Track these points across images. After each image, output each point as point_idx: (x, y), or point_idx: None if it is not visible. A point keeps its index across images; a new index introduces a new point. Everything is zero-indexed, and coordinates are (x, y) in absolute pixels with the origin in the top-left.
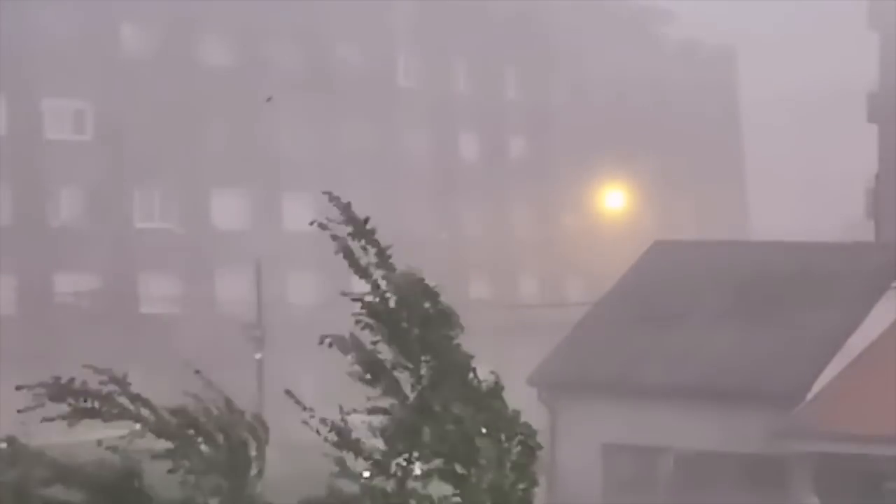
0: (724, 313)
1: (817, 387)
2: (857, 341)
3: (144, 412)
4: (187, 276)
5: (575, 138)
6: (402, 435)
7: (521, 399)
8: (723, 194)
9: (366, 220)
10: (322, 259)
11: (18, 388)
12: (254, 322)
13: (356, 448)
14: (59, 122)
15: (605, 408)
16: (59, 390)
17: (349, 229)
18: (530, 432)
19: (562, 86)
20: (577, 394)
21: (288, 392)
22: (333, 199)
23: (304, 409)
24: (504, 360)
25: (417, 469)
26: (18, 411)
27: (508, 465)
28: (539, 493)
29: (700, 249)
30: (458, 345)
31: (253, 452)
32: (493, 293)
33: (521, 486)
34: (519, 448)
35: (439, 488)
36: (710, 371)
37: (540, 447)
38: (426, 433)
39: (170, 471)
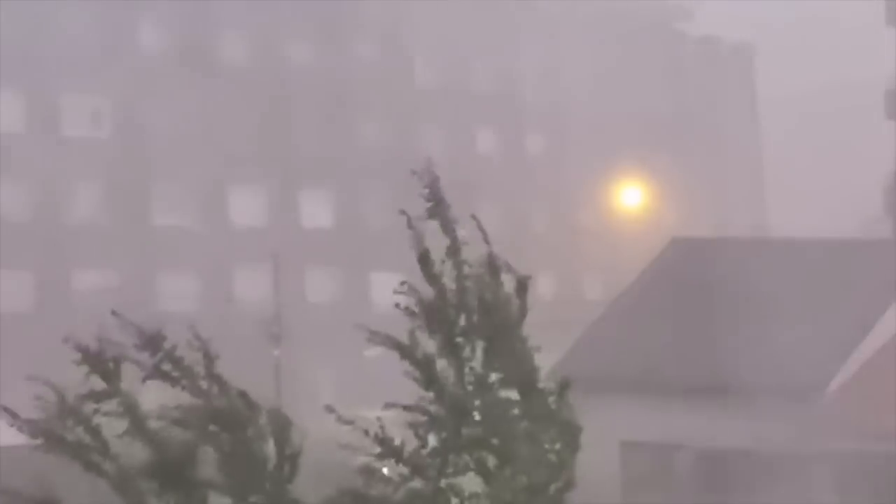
0: (742, 310)
1: (837, 383)
2: (877, 338)
3: (218, 397)
4: (205, 273)
5: (593, 135)
6: (439, 429)
7: None
8: (741, 191)
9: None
10: (340, 255)
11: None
12: (272, 318)
13: (399, 455)
14: (76, 118)
15: (623, 405)
16: (152, 342)
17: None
18: (574, 433)
19: (579, 83)
20: (594, 391)
21: (328, 407)
22: (421, 174)
23: (344, 421)
24: None
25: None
26: (101, 340)
27: (545, 464)
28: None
29: (718, 246)
30: (520, 335)
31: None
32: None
33: (555, 485)
34: (559, 447)
35: (472, 484)
36: (729, 368)
37: (579, 447)
38: (466, 426)
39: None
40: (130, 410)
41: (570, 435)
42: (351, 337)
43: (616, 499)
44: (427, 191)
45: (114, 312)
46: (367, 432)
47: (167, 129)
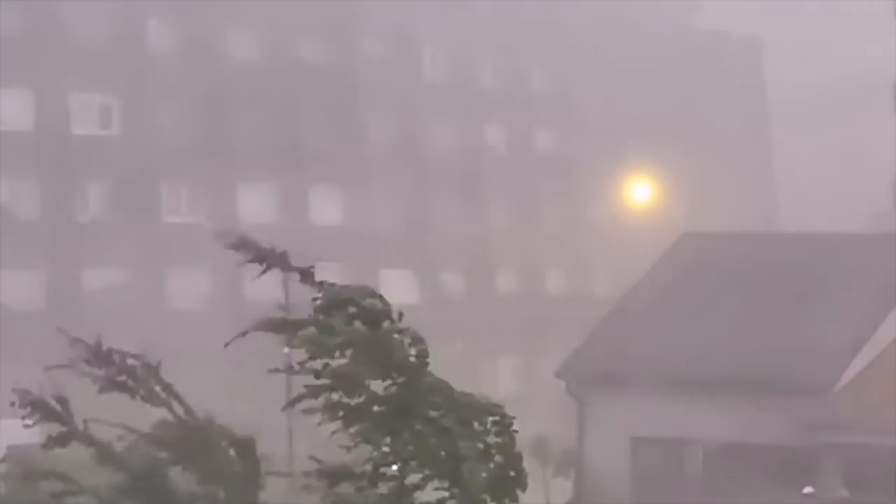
0: (752, 305)
1: (846, 378)
2: (886, 332)
3: (174, 403)
4: (215, 271)
5: (602, 131)
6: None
7: (550, 392)
8: (750, 186)
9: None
10: (350, 252)
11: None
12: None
13: (352, 478)
14: (86, 116)
15: (633, 400)
16: (100, 355)
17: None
18: (498, 410)
19: (588, 77)
20: (605, 386)
21: (313, 458)
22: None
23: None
24: (532, 353)
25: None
26: (46, 368)
27: (494, 453)
28: (568, 486)
29: (728, 241)
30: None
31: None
32: (520, 287)
33: (511, 472)
34: (496, 430)
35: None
36: (739, 363)
37: (513, 419)
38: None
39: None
40: (92, 444)
41: (497, 411)
42: None
43: (627, 493)
44: (253, 257)
45: (59, 329)
46: (309, 474)
47: (176, 127)
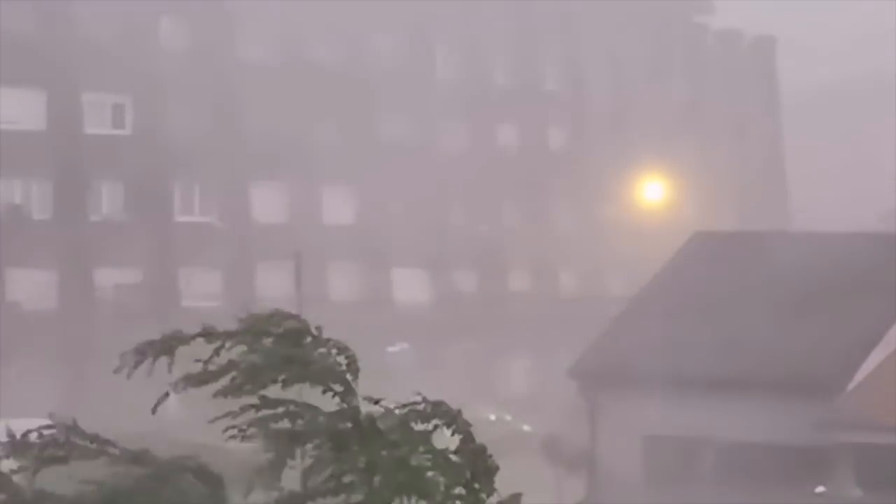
0: (764, 304)
1: (859, 377)
2: None
3: (110, 449)
4: (227, 270)
5: (614, 129)
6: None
7: (562, 391)
8: (763, 185)
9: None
10: (362, 252)
11: None
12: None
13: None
14: (98, 116)
15: (646, 399)
16: (19, 447)
17: None
18: (450, 416)
19: (601, 76)
20: (618, 385)
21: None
22: None
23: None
24: (544, 352)
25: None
26: None
27: (458, 463)
28: (580, 485)
29: (740, 240)
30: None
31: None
32: (532, 286)
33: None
34: (459, 438)
35: None
36: (752, 362)
37: (469, 425)
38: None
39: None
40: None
41: (448, 417)
42: (373, 333)
43: (639, 492)
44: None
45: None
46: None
47: (189, 127)
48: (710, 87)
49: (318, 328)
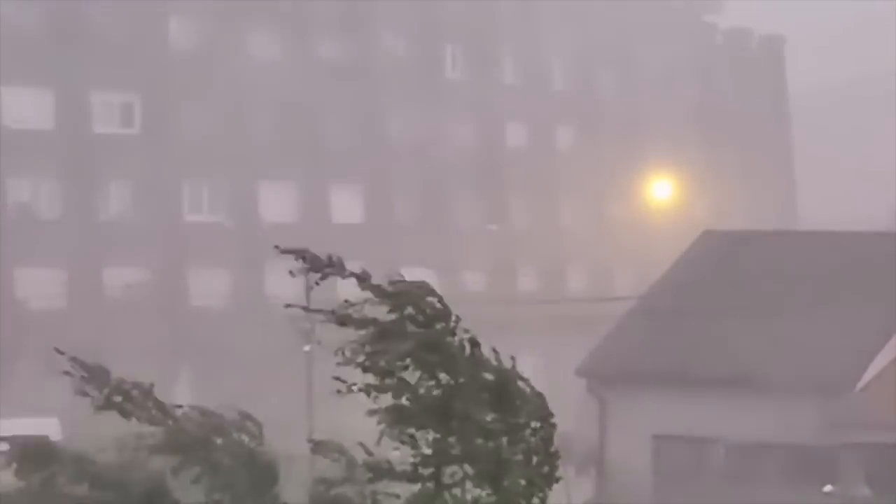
0: (773, 303)
1: (867, 377)
2: None
3: (167, 420)
4: (236, 269)
5: (623, 128)
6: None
7: (571, 390)
8: (772, 184)
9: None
10: (370, 251)
11: (65, 372)
12: (302, 314)
13: (390, 474)
14: (107, 115)
15: (655, 399)
16: (100, 376)
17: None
18: (543, 412)
19: (610, 76)
20: (626, 385)
21: (362, 445)
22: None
23: (329, 455)
24: (553, 351)
25: (447, 477)
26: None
27: (534, 458)
28: (589, 484)
29: (749, 239)
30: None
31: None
32: (541, 285)
33: (545, 469)
34: (541, 434)
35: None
36: (761, 361)
37: (554, 426)
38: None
39: (193, 481)
40: (83, 466)
41: (542, 414)
42: None
43: (648, 491)
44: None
45: (57, 350)
46: (348, 463)
47: (198, 126)
48: (718, 86)
49: (457, 317)
